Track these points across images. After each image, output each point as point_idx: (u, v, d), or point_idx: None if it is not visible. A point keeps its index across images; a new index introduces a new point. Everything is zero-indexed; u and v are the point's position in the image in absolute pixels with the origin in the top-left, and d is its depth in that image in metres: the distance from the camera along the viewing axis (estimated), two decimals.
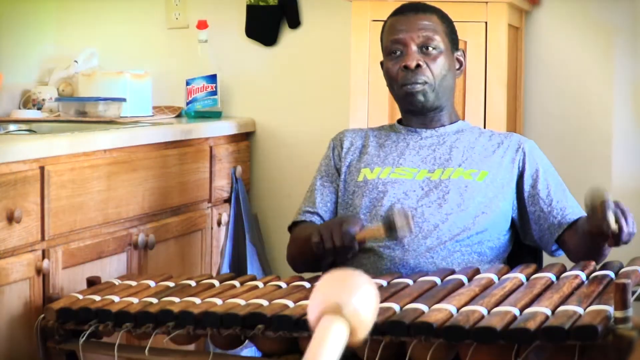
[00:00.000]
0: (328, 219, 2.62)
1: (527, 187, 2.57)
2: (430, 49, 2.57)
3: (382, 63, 2.67)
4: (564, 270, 2.29)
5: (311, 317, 1.45)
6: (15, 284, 2.42)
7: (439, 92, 2.58)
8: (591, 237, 2.32)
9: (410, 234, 2.31)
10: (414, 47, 2.57)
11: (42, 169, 2.50)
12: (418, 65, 2.55)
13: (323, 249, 2.35)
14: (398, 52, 2.58)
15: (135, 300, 2.30)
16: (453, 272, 2.35)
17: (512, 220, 2.58)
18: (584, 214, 2.49)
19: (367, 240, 2.38)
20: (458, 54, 2.65)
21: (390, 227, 2.27)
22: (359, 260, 2.50)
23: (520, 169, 2.59)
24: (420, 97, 2.57)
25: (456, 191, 2.51)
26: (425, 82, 2.56)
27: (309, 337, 2.03)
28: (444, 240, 2.46)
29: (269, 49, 3.60)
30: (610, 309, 1.92)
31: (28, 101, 3.54)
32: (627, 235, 2.26)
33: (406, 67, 2.55)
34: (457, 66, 2.66)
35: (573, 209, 2.53)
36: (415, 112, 2.62)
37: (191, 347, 2.48)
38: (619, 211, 2.24)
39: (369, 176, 2.58)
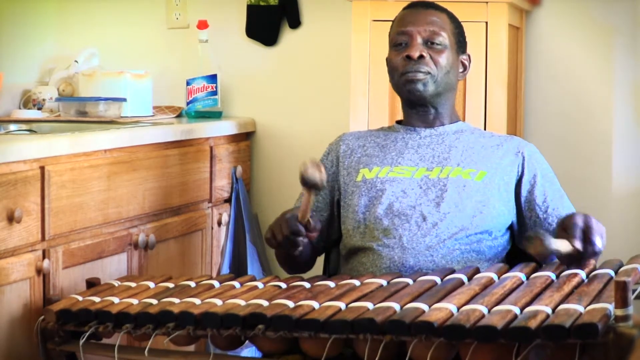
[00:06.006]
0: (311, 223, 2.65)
1: (524, 192, 2.57)
2: (435, 43, 2.57)
3: (388, 59, 2.67)
4: (564, 269, 2.29)
5: None
6: (15, 284, 2.42)
7: (440, 85, 2.58)
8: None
9: (324, 179, 2.33)
10: (419, 40, 2.58)
11: (42, 169, 2.49)
12: (421, 56, 2.56)
13: (276, 242, 2.41)
14: (403, 44, 2.59)
15: (135, 301, 2.29)
16: (453, 271, 2.35)
17: (511, 222, 2.58)
18: None
19: (308, 214, 2.39)
20: (464, 57, 2.66)
21: (305, 183, 2.31)
22: (359, 259, 2.51)
23: (519, 173, 2.59)
24: (420, 86, 2.57)
25: (454, 190, 2.51)
26: (428, 73, 2.57)
27: (309, 337, 2.06)
28: (443, 238, 2.46)
29: (269, 49, 3.60)
30: (610, 307, 1.92)
31: (28, 101, 3.54)
32: (591, 254, 2.27)
33: (409, 57, 2.56)
34: (461, 69, 2.66)
35: None
36: (413, 101, 2.61)
37: (191, 347, 2.48)
38: (581, 233, 2.25)
39: (368, 175, 2.58)
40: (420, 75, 2.57)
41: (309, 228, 2.40)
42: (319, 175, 2.31)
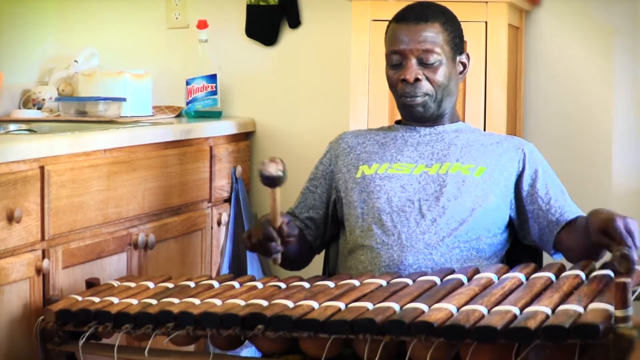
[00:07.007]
0: (306, 220, 2.67)
1: (525, 186, 2.57)
2: (429, 62, 2.56)
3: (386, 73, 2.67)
4: (564, 269, 2.29)
5: None
6: (15, 284, 2.42)
7: (441, 101, 2.59)
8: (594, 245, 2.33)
9: (284, 176, 2.32)
10: (413, 60, 2.56)
11: (42, 168, 2.49)
12: (417, 79, 2.55)
13: (251, 244, 2.46)
14: (398, 63, 2.58)
15: (134, 301, 2.29)
16: (453, 271, 2.35)
17: (510, 219, 2.58)
18: (581, 214, 2.50)
19: (278, 217, 2.39)
20: (462, 57, 2.64)
21: (265, 180, 2.32)
22: (358, 258, 2.51)
23: (520, 169, 2.59)
24: (420, 109, 2.58)
25: (453, 185, 2.52)
26: (426, 94, 2.57)
27: (309, 337, 2.06)
28: (442, 236, 2.46)
29: (269, 48, 3.60)
30: (610, 308, 1.92)
31: (28, 101, 3.54)
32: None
33: (405, 81, 2.55)
34: (461, 68, 2.65)
35: (571, 209, 2.53)
36: (415, 120, 2.63)
37: (191, 347, 2.48)
38: (626, 236, 2.24)
39: (367, 172, 2.59)
40: (419, 99, 2.57)
41: (282, 234, 2.41)
42: (274, 168, 2.30)
